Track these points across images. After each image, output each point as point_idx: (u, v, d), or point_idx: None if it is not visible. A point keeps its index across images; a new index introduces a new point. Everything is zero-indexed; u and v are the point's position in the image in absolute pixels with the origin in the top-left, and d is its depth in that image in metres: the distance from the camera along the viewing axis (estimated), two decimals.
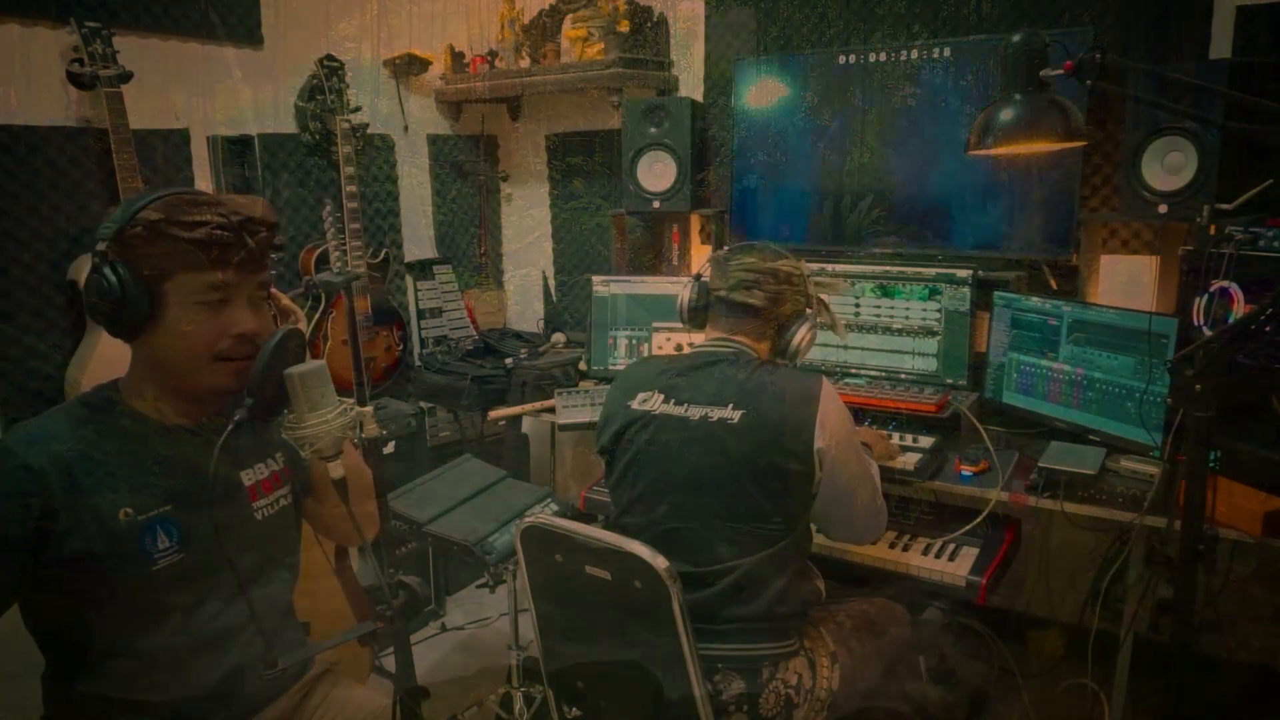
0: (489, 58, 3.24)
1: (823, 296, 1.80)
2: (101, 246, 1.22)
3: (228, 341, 1.27)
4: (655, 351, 2.70)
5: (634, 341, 2.74)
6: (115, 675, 1.28)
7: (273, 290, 1.38)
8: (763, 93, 2.78)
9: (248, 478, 1.40)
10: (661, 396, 1.69)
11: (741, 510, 1.59)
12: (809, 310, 1.76)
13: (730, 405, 1.61)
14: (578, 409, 2.53)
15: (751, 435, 1.58)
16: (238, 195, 1.30)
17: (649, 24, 3.07)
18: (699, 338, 1.82)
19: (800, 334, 1.73)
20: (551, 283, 3.60)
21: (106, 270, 1.21)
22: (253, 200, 1.30)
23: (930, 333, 2.37)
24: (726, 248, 1.81)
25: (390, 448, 2.83)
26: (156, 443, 1.29)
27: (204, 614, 1.32)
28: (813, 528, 1.75)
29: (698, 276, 1.82)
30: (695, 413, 1.64)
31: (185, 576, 1.29)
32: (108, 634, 1.26)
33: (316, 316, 2.76)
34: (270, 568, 1.42)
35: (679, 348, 2.63)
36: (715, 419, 1.61)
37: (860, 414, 2.21)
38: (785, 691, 1.58)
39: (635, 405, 1.71)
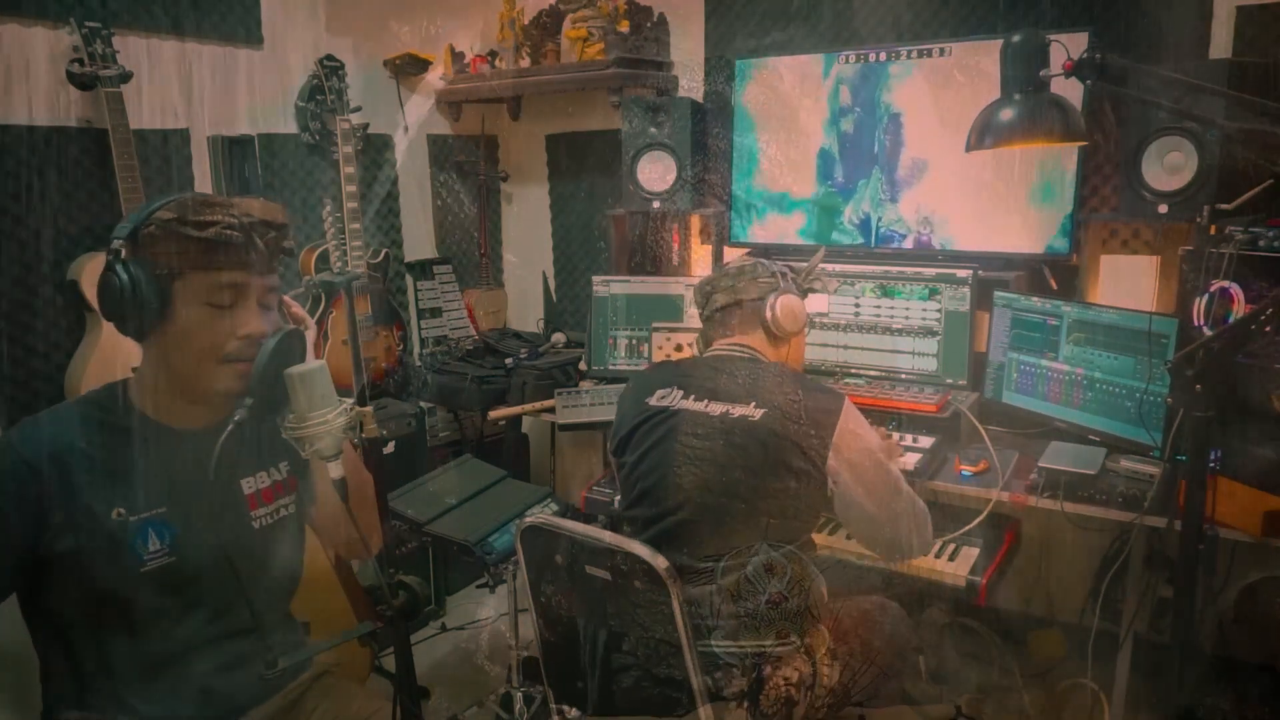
0: (489, 58, 3.24)
1: (792, 265, 1.90)
2: (116, 245, 1.23)
3: (235, 343, 1.27)
4: (655, 351, 2.69)
5: (634, 341, 2.74)
6: (105, 674, 1.28)
7: (285, 298, 1.38)
8: (763, 92, 2.77)
9: (248, 486, 1.39)
10: (681, 392, 1.75)
11: (754, 506, 1.61)
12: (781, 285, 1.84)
13: (753, 403, 1.66)
14: (578, 409, 2.53)
15: (771, 432, 1.62)
16: (250, 198, 1.31)
17: (649, 24, 3.07)
18: (689, 338, 1.91)
19: (771, 303, 1.80)
20: (551, 283, 3.60)
21: (119, 268, 1.22)
22: (264, 203, 1.30)
23: (930, 333, 2.37)
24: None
25: (390, 448, 2.82)
26: (156, 444, 1.29)
27: (196, 618, 1.32)
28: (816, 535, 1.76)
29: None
30: (716, 408, 1.69)
31: (175, 579, 1.28)
32: (97, 633, 1.27)
33: (317, 316, 2.76)
34: (267, 576, 1.42)
35: (679, 347, 2.63)
36: (736, 415, 1.66)
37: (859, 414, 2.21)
38: (786, 688, 1.58)
39: (654, 401, 1.77)
